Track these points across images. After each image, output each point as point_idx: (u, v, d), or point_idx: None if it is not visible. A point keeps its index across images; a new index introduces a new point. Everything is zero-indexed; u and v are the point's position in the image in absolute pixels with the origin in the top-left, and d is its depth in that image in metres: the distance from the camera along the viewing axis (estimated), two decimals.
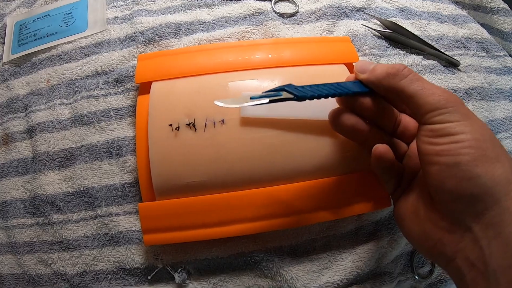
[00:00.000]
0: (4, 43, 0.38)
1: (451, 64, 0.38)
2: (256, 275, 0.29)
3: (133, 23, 0.36)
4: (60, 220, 0.31)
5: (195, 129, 0.27)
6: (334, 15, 0.38)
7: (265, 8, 0.37)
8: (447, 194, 0.20)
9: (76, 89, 0.34)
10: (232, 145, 0.27)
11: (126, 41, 0.36)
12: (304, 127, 0.28)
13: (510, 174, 0.19)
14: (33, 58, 0.36)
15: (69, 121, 0.33)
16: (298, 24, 0.38)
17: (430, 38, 0.39)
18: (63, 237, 0.30)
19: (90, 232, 0.30)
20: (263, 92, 0.22)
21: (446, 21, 0.42)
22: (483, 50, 0.42)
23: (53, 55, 0.36)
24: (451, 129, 0.20)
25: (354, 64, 0.25)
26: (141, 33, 0.35)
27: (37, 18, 0.38)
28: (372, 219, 0.31)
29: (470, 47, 0.41)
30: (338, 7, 0.38)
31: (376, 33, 0.38)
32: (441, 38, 0.40)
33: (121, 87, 0.33)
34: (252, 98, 0.22)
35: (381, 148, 0.24)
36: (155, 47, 0.35)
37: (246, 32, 0.36)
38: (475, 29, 0.42)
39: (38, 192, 0.31)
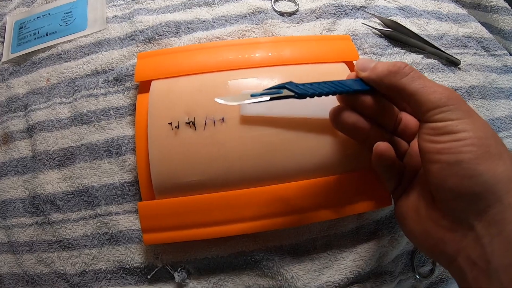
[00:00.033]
0: (3, 42, 0.38)
1: (452, 63, 0.38)
2: (257, 274, 0.29)
3: (133, 22, 0.36)
4: (59, 219, 0.30)
5: (195, 127, 0.27)
6: (334, 14, 0.38)
7: (265, 6, 0.37)
8: (448, 192, 0.20)
9: (76, 88, 0.34)
10: (232, 143, 0.27)
11: (126, 40, 0.35)
12: (305, 125, 0.27)
13: None
14: (33, 57, 0.36)
15: (68, 120, 0.33)
16: (298, 22, 0.38)
17: (431, 36, 0.39)
18: (63, 236, 0.30)
19: (89, 231, 0.30)
20: (263, 90, 0.22)
21: (446, 19, 0.42)
22: (483, 49, 0.42)
23: (52, 54, 0.36)
24: (452, 127, 0.20)
25: (354, 62, 0.25)
26: (141, 32, 0.35)
27: (37, 17, 0.38)
28: (373, 218, 0.31)
29: (470, 46, 0.40)
30: (338, 6, 0.38)
31: (377, 31, 0.38)
32: (442, 37, 0.40)
33: (121, 86, 0.33)
34: (252, 95, 0.22)
35: (382, 146, 0.23)
36: (155, 46, 0.35)
37: (246, 30, 0.36)
38: (475, 28, 0.42)
39: (38, 191, 0.31)
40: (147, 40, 0.35)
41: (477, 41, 0.41)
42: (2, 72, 0.37)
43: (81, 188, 0.31)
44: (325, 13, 0.38)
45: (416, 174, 0.25)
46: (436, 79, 0.37)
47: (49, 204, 0.31)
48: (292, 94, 0.22)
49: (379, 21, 0.39)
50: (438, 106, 0.21)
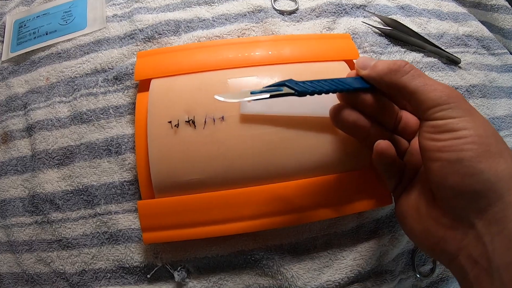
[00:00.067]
0: (3, 42, 0.38)
1: (452, 62, 0.38)
2: (257, 274, 0.29)
3: (132, 21, 0.36)
4: (59, 219, 0.30)
5: (195, 126, 0.27)
6: (334, 13, 0.38)
7: (265, 5, 0.37)
8: (449, 190, 0.20)
9: (75, 87, 0.34)
10: (232, 142, 0.27)
11: (126, 39, 0.35)
12: (305, 124, 0.27)
13: None
14: (32, 56, 0.36)
15: (68, 119, 0.33)
16: (298, 21, 0.38)
17: (431, 35, 0.39)
18: (62, 235, 0.30)
19: (89, 231, 0.30)
20: (263, 87, 0.22)
21: (446, 18, 0.42)
22: (483, 47, 0.41)
23: (52, 53, 0.36)
24: (453, 125, 0.20)
25: (355, 60, 0.25)
26: (140, 31, 0.35)
27: (36, 16, 0.38)
28: (373, 217, 0.31)
29: (470, 45, 0.40)
30: (338, 4, 0.38)
31: (377, 30, 0.38)
32: (442, 36, 0.40)
33: (120, 85, 0.33)
34: (252, 93, 0.21)
35: (383, 144, 0.23)
36: (155, 45, 0.35)
37: (245, 29, 0.36)
38: (475, 27, 0.42)
39: (37, 191, 0.31)
40: (146, 39, 0.35)
41: (477, 40, 0.41)
42: (1, 71, 0.37)
43: (80, 187, 0.31)
44: (325, 11, 0.38)
45: (416, 172, 0.25)
46: (436, 77, 0.36)
47: (49, 203, 0.31)
48: (292, 91, 0.22)
49: (379, 20, 0.39)
50: (438, 104, 0.21)
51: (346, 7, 0.38)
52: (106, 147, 0.31)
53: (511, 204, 0.18)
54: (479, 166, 0.19)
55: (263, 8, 0.37)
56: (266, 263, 0.28)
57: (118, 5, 0.38)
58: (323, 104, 0.26)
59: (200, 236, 0.27)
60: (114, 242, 0.30)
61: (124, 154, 0.31)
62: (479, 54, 0.40)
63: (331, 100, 0.25)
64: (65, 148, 0.32)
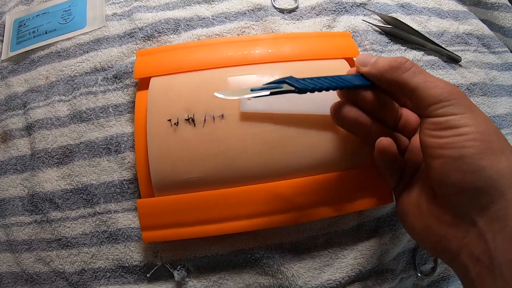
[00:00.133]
0: (3, 41, 0.38)
1: (452, 60, 0.38)
2: (257, 273, 0.28)
3: (132, 20, 0.36)
4: (58, 218, 0.30)
5: (194, 124, 0.27)
6: (334, 11, 0.38)
7: (265, 3, 0.37)
8: (450, 187, 0.20)
9: (75, 85, 0.34)
10: (231, 140, 0.27)
11: (125, 38, 0.35)
12: (305, 121, 0.27)
13: None
14: (32, 55, 0.36)
15: (67, 118, 0.33)
16: (298, 19, 0.37)
17: (431, 33, 0.39)
18: (62, 234, 0.30)
19: (88, 230, 0.30)
20: (264, 84, 0.22)
21: (447, 17, 0.41)
22: (484, 46, 0.41)
23: (51, 52, 0.36)
24: (454, 122, 0.20)
25: (355, 58, 0.25)
26: (140, 29, 0.35)
27: (36, 16, 0.38)
28: (374, 216, 0.31)
29: (471, 43, 0.40)
30: (338, 3, 0.38)
31: (377, 28, 0.38)
32: (442, 34, 0.40)
33: (120, 84, 0.33)
34: (252, 90, 0.21)
35: (384, 141, 0.23)
36: (154, 43, 0.35)
37: (245, 27, 0.36)
38: (476, 25, 0.42)
39: (37, 190, 0.31)
40: (146, 38, 0.35)
41: (477, 38, 0.41)
42: (1, 71, 0.36)
43: (80, 186, 0.31)
44: (325, 10, 0.38)
45: (417, 170, 0.24)
46: (436, 76, 0.36)
47: (48, 202, 0.31)
48: (293, 88, 0.22)
49: (379, 18, 0.38)
50: (440, 101, 0.20)
51: (346, 5, 0.38)
52: (105, 146, 0.31)
53: None
54: (481, 163, 0.19)
55: (263, 7, 0.37)
56: (267, 262, 0.28)
57: (117, 3, 0.38)
58: (324, 102, 0.26)
59: (200, 235, 0.27)
60: (113, 241, 0.29)
61: (123, 152, 0.31)
62: (479, 52, 0.40)
63: (332, 98, 0.25)
64: (64, 147, 0.32)
